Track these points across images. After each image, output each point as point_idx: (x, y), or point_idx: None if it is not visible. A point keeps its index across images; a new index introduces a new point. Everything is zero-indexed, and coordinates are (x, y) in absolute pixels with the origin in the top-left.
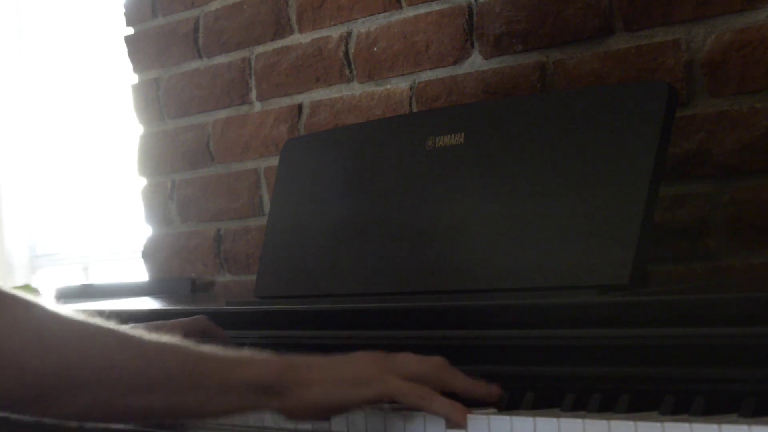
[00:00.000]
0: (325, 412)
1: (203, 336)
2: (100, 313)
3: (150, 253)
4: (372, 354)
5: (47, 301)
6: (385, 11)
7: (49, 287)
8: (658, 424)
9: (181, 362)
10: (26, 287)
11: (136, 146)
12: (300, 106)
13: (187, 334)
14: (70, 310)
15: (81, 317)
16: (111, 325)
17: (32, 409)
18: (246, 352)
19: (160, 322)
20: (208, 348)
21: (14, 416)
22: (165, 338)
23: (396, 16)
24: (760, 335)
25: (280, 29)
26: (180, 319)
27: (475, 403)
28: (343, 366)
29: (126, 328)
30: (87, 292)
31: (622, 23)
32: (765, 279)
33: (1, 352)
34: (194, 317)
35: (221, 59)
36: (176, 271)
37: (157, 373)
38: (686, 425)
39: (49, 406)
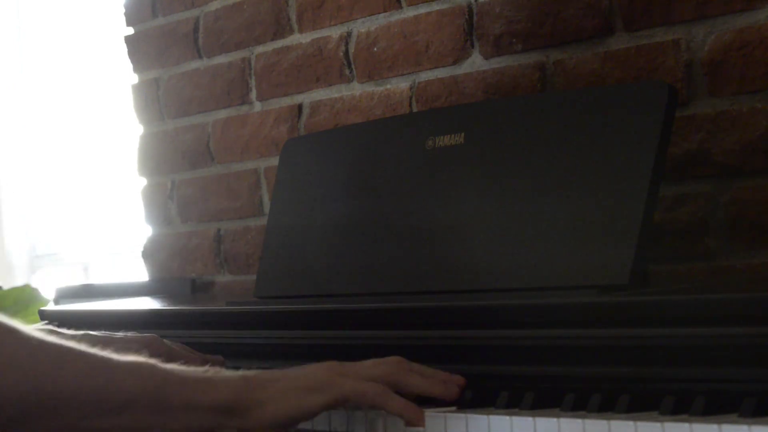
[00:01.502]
0: (283, 426)
1: (167, 358)
2: (73, 336)
3: (150, 253)
4: (326, 363)
5: (18, 324)
6: (385, 11)
7: (49, 287)
8: (658, 424)
9: (146, 386)
10: (26, 287)
11: (136, 146)
12: (300, 106)
13: (151, 353)
14: (42, 332)
15: (53, 340)
16: (82, 347)
17: None
18: (208, 372)
19: (120, 335)
20: (171, 368)
21: None
22: (132, 358)
23: (396, 16)
24: (760, 335)
25: (280, 29)
26: (134, 336)
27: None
28: (297, 377)
29: (95, 351)
30: (87, 292)
31: (622, 23)
32: (765, 279)
33: None
34: (147, 336)
35: (221, 59)
36: (176, 271)
37: (123, 397)
38: (686, 425)
39: (17, 430)
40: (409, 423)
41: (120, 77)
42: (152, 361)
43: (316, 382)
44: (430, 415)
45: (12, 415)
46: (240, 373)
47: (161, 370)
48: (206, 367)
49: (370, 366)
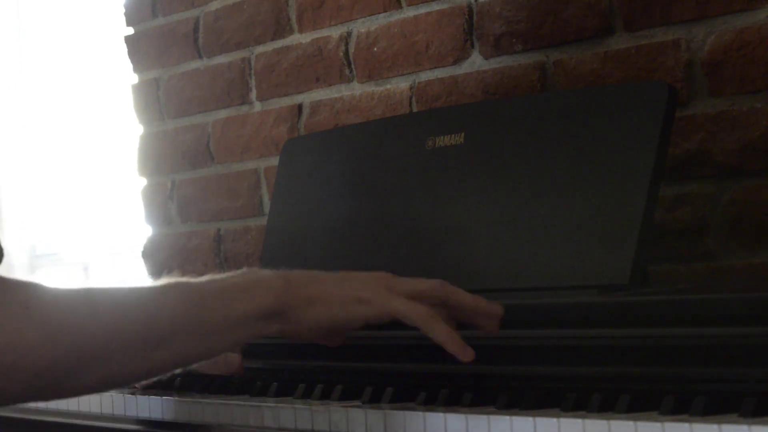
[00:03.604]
0: (326, 331)
1: None
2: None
3: (150, 253)
4: (375, 273)
5: (45, 280)
6: (385, 11)
7: None
8: (658, 424)
9: (185, 309)
10: None
11: (136, 146)
12: (300, 106)
13: None
14: (71, 284)
15: (81, 288)
16: (112, 286)
17: (47, 395)
18: (246, 276)
19: None
20: (206, 281)
21: (17, 416)
22: (164, 281)
23: (396, 16)
24: (760, 335)
25: (280, 29)
26: None
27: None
28: (344, 283)
29: (126, 286)
30: None
31: (622, 23)
32: (765, 279)
33: (13, 348)
34: None
35: (221, 59)
36: (176, 271)
37: (166, 326)
38: (686, 425)
39: (64, 388)
40: (452, 352)
41: (120, 77)
42: (185, 278)
43: (364, 293)
44: (430, 413)
45: (57, 375)
46: (280, 272)
47: (197, 286)
48: (243, 270)
49: (419, 282)
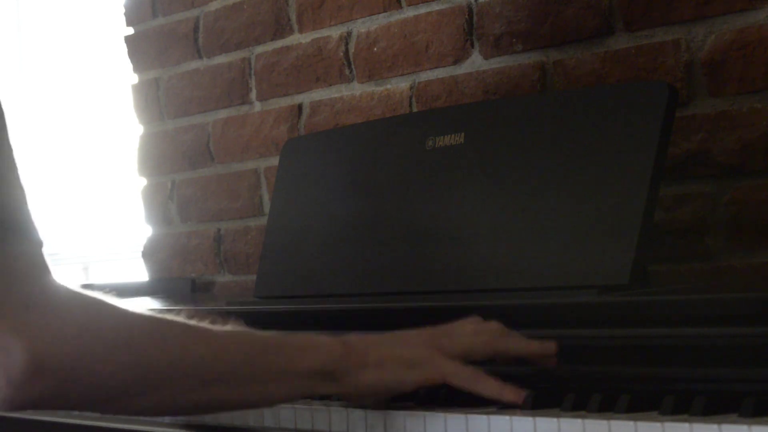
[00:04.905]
0: (379, 394)
1: None
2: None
3: (150, 253)
4: (425, 332)
5: (113, 299)
6: (385, 11)
7: None
8: (658, 424)
9: (245, 354)
10: None
11: (136, 146)
12: (300, 106)
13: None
14: (135, 306)
15: (148, 314)
16: (179, 319)
17: (102, 410)
18: (306, 337)
19: None
20: (269, 335)
21: (15, 415)
22: (230, 327)
23: (396, 16)
24: (760, 335)
25: (280, 29)
26: None
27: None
28: (397, 347)
29: (193, 323)
30: None
31: (622, 23)
32: (765, 279)
33: (76, 360)
34: None
35: (221, 59)
36: (176, 271)
37: (223, 367)
38: (686, 425)
39: (120, 406)
40: (508, 404)
41: (120, 77)
42: (249, 329)
43: (416, 357)
44: (430, 414)
45: (113, 394)
46: (338, 338)
47: (260, 338)
48: (304, 332)
49: (469, 337)
